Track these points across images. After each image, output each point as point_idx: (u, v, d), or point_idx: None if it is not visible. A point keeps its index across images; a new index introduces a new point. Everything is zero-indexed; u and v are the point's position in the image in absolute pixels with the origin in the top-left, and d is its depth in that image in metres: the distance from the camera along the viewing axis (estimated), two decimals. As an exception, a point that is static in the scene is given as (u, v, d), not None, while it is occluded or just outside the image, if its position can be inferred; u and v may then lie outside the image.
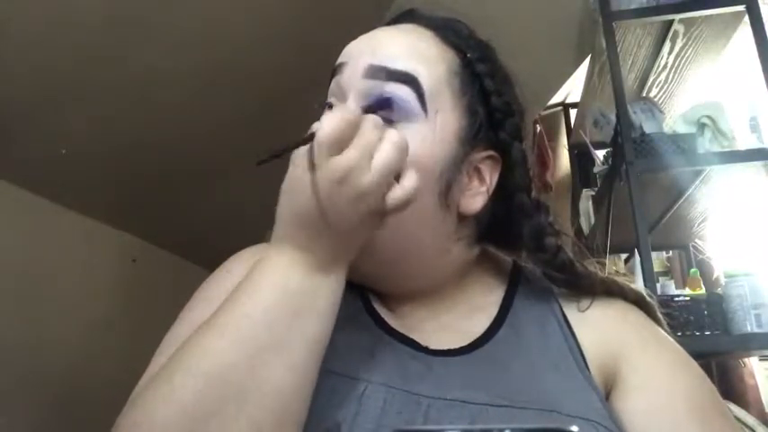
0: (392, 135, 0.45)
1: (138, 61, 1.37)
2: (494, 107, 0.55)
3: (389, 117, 0.50)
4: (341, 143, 0.43)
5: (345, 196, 0.43)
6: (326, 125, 0.43)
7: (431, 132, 0.51)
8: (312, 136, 0.43)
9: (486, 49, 0.58)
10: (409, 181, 0.45)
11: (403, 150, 0.45)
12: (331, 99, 0.55)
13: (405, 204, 0.45)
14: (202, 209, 1.87)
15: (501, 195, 0.55)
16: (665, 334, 0.56)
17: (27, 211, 1.45)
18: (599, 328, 0.54)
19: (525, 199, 0.55)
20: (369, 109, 0.50)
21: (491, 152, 0.55)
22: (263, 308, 0.43)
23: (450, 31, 0.56)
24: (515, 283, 0.59)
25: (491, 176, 0.55)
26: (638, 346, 0.53)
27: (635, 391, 0.50)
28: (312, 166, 0.43)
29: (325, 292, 0.46)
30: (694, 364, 0.54)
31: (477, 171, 0.54)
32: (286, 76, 1.68)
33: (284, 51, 1.61)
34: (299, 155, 0.44)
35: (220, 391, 0.41)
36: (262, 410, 0.41)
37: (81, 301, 1.59)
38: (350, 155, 0.43)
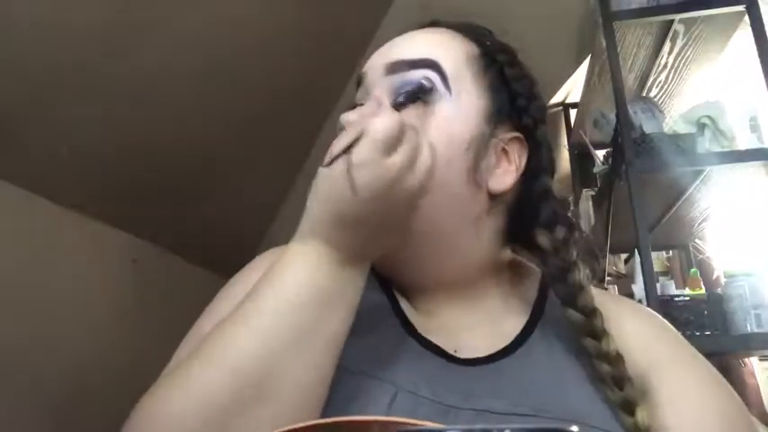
0: (427, 139, 0.48)
1: (139, 61, 1.37)
2: (516, 91, 0.57)
3: (418, 101, 0.52)
4: (394, 144, 0.44)
5: (395, 196, 0.44)
6: (382, 125, 0.44)
7: (456, 109, 0.53)
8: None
9: (507, 47, 0.60)
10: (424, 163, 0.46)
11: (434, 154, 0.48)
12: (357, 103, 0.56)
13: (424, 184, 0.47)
14: (203, 209, 1.87)
15: (527, 179, 0.56)
16: (695, 349, 0.54)
17: (27, 212, 1.45)
18: (627, 341, 0.52)
19: (549, 181, 0.56)
20: (401, 100, 0.52)
21: (517, 134, 0.56)
22: (289, 303, 0.43)
23: (468, 27, 0.59)
24: (546, 290, 0.58)
25: (519, 157, 0.56)
26: (667, 361, 0.51)
27: (664, 406, 0.48)
28: (350, 164, 0.43)
29: (352, 288, 0.46)
30: (723, 380, 0.52)
31: (505, 153, 0.56)
32: (287, 77, 1.68)
33: (286, 52, 1.61)
34: (335, 151, 0.44)
35: (240, 383, 0.40)
36: (280, 404, 0.41)
37: (81, 301, 1.58)
38: (403, 156, 0.44)
